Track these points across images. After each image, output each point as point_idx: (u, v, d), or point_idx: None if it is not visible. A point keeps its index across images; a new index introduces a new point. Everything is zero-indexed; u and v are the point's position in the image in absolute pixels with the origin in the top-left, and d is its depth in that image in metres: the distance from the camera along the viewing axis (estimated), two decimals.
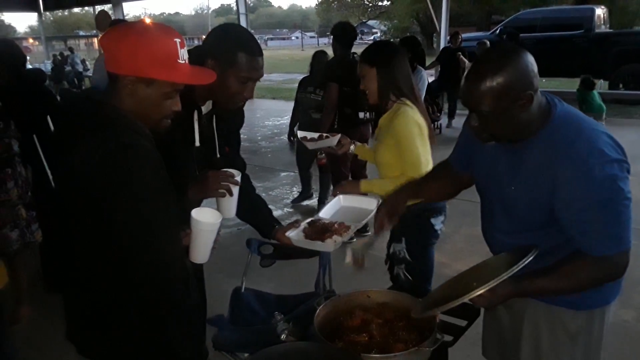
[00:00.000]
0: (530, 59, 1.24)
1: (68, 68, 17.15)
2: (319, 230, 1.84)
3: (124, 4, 14.00)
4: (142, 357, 1.30)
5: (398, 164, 2.11)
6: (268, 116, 8.97)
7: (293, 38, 71.04)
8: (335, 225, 1.86)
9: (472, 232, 3.79)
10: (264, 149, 8.01)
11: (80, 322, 1.29)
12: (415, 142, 2.08)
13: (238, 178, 1.57)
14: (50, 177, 2.72)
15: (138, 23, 1.21)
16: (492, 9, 25.38)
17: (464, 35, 8.71)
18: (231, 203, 1.59)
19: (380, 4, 35.15)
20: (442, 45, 9.79)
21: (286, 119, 7.00)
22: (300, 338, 1.62)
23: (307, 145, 2.39)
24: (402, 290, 1.64)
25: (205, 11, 72.64)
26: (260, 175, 6.22)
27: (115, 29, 1.21)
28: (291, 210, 5.12)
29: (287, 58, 30.93)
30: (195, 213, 1.34)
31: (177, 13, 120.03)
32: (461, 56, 7.85)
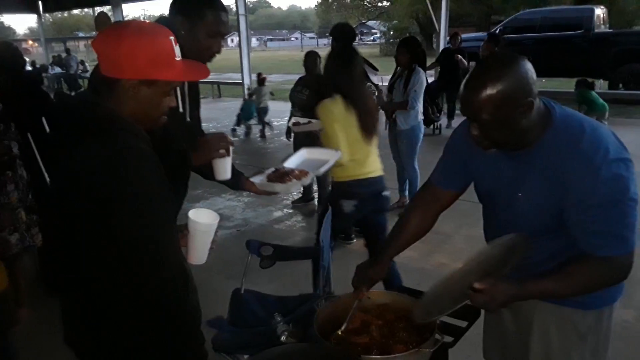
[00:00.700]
0: (529, 66, 1.23)
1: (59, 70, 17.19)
2: (281, 175, 2.09)
3: (123, 5, 14.01)
4: None
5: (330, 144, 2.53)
6: (268, 116, 8.98)
7: (292, 39, 71.03)
8: (296, 172, 2.11)
9: (472, 233, 3.79)
10: (263, 150, 8.02)
11: (79, 326, 1.28)
12: (331, 124, 2.54)
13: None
14: (47, 178, 2.72)
15: (131, 24, 1.18)
16: (492, 9, 25.40)
17: (463, 36, 8.71)
18: (228, 164, 1.75)
19: (379, 4, 35.20)
20: (441, 46, 9.80)
21: (285, 119, 7.01)
22: (300, 339, 1.62)
23: (293, 129, 2.49)
24: (401, 292, 1.64)
25: None
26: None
27: (108, 32, 1.18)
28: (291, 211, 5.12)
29: (286, 59, 30.94)
30: (193, 214, 1.34)
31: None
32: (460, 57, 7.85)
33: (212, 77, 8.27)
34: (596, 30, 10.66)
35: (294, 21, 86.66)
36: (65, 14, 50.16)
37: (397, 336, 1.43)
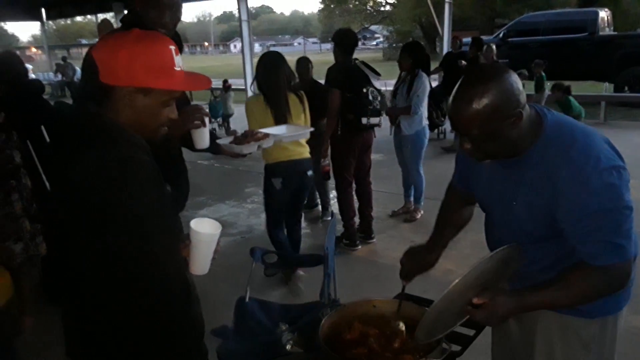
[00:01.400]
0: (514, 77, 1.23)
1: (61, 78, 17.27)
2: (245, 137, 2.29)
3: (126, 12, 14.08)
4: None
5: None
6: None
7: (295, 44, 71.28)
8: (260, 135, 2.31)
9: (478, 239, 3.72)
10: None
11: (80, 338, 1.27)
12: (249, 119, 3.13)
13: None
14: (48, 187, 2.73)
15: (131, 32, 1.18)
16: (495, 12, 25.41)
17: (465, 40, 8.69)
18: (205, 134, 1.88)
19: (382, 9, 35.27)
20: (445, 50, 9.78)
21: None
22: (305, 348, 1.61)
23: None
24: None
25: (208, 18, 73.12)
26: (261, 182, 6.21)
27: (108, 39, 1.19)
28: None
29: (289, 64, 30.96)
30: (195, 224, 1.33)
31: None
32: (464, 63, 7.82)
33: (214, 84, 8.31)
34: (600, 33, 10.63)
35: (296, 26, 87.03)
36: (68, 21, 50.60)
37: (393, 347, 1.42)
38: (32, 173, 2.67)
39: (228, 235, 4.50)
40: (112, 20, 13.57)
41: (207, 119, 1.89)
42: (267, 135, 2.46)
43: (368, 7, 35.92)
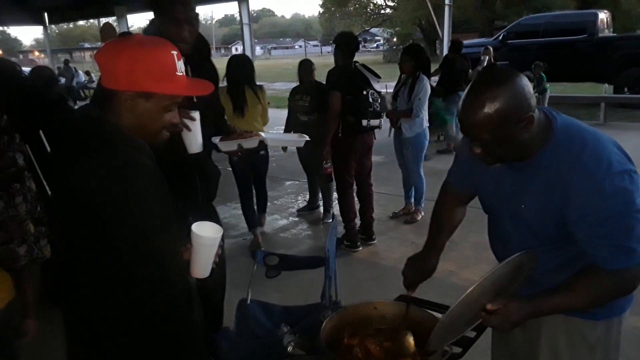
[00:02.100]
0: (525, 81, 1.22)
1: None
2: (234, 135, 2.29)
3: (128, 16, 14.11)
4: None
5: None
6: (272, 124, 8.92)
7: (296, 47, 71.37)
8: (247, 135, 2.29)
9: (479, 240, 3.76)
10: (269, 158, 8.01)
11: (82, 342, 1.27)
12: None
13: (195, 115, 1.86)
14: (48, 189, 2.75)
15: (133, 37, 1.20)
16: (495, 14, 25.42)
17: (466, 42, 8.69)
18: (194, 137, 1.87)
19: (382, 11, 35.30)
20: (445, 52, 9.79)
21: None
22: (307, 350, 1.61)
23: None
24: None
25: (209, 21, 73.23)
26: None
27: (110, 44, 1.20)
28: (297, 219, 5.11)
29: (290, 67, 31.03)
30: (196, 227, 1.33)
31: None
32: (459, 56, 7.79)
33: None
34: (600, 35, 10.63)
35: (297, 29, 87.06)
36: (71, 25, 50.70)
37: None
38: (35, 176, 2.68)
39: (230, 237, 4.51)
40: (114, 24, 13.63)
41: (193, 124, 1.86)
42: (250, 134, 2.42)
43: (368, 10, 35.95)
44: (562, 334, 1.45)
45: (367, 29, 40.68)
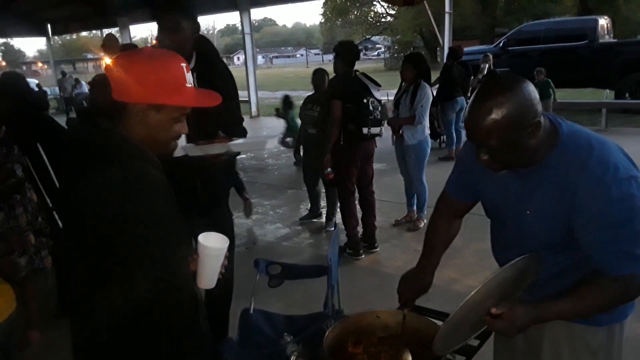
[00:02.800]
0: (531, 87, 1.23)
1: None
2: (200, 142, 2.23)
3: (131, 27, 14.25)
4: None
5: None
6: (274, 133, 9.00)
7: (298, 56, 71.72)
8: (215, 141, 2.21)
9: (482, 247, 3.75)
10: (271, 167, 8.03)
11: (88, 351, 1.27)
12: None
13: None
14: (48, 200, 2.76)
15: (143, 50, 1.23)
16: (495, 21, 25.51)
17: (466, 49, 8.72)
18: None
19: (383, 20, 35.47)
20: (445, 60, 9.82)
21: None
22: None
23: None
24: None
25: (211, 31, 73.68)
26: (267, 193, 6.23)
27: (121, 57, 1.22)
28: (299, 227, 5.10)
29: (292, 75, 31.23)
30: (202, 238, 1.34)
31: None
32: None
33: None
34: (600, 41, 10.66)
35: (299, 38, 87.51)
36: (74, 36, 51.10)
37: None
38: (35, 187, 2.70)
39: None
40: (117, 35, 13.73)
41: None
42: (212, 142, 2.31)
43: (369, 18, 36.14)
44: (564, 340, 1.45)
45: (368, 37, 40.89)
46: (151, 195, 1.14)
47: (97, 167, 1.15)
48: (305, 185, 5.14)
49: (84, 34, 51.17)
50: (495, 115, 1.18)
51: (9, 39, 44.10)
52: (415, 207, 4.79)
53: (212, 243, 1.35)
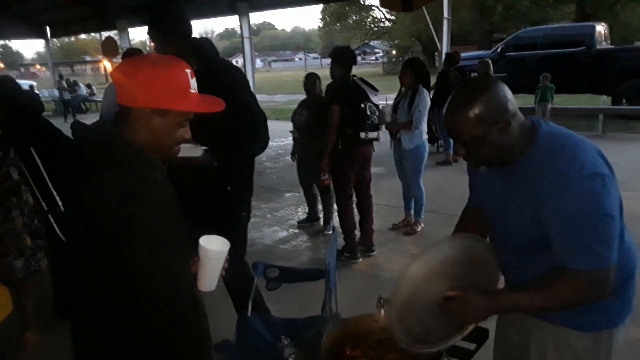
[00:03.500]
0: (502, 87, 1.31)
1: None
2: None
3: (130, 30, 14.24)
4: None
5: None
6: (272, 137, 8.96)
7: (296, 59, 71.95)
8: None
9: None
10: (269, 170, 8.04)
11: (89, 353, 1.28)
12: None
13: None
14: (43, 203, 2.76)
15: (149, 56, 1.24)
16: (493, 27, 25.64)
17: (464, 55, 8.77)
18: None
19: (382, 25, 35.61)
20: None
21: (290, 140, 7.06)
22: None
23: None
24: None
25: (210, 35, 73.83)
26: (265, 196, 6.23)
27: (127, 63, 1.24)
28: (297, 231, 5.11)
29: (290, 79, 31.28)
30: (204, 241, 1.34)
31: None
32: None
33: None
34: (598, 47, 10.71)
35: (297, 42, 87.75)
36: (72, 38, 51.08)
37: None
38: (30, 189, 2.70)
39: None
40: (116, 38, 13.74)
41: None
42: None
43: (368, 23, 36.27)
44: (550, 343, 1.46)
45: (366, 42, 41.01)
46: (155, 199, 1.15)
47: (102, 170, 1.16)
48: (302, 188, 5.14)
49: (82, 36, 51.26)
50: (465, 110, 1.28)
51: (7, 41, 44.07)
52: (412, 211, 4.79)
53: (214, 246, 1.36)
